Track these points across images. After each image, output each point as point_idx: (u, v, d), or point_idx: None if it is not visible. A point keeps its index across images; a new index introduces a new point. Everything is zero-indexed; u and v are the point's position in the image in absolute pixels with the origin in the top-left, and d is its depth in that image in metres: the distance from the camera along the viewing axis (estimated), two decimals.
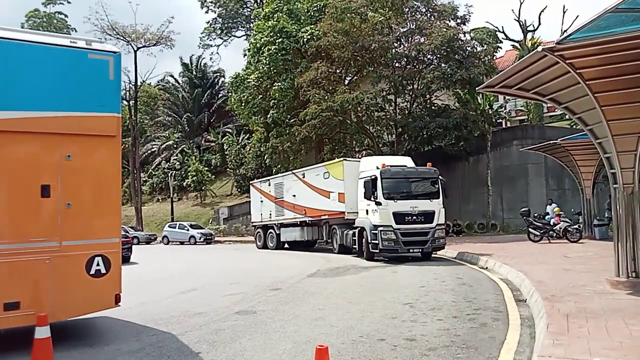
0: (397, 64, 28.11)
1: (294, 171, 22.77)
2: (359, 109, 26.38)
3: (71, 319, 7.77)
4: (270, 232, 23.73)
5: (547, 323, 5.91)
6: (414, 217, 14.87)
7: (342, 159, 19.57)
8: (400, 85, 26.65)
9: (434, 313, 7.48)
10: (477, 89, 13.18)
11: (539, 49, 7.51)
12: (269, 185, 24.11)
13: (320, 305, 8.45)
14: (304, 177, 21.15)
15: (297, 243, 21.97)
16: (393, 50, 27.12)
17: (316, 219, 20.10)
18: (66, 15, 56.77)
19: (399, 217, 14.76)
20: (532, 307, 7.48)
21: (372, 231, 15.11)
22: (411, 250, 15.00)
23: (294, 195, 21.50)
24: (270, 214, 23.59)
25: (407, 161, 16.97)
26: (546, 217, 19.77)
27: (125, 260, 19.39)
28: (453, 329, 6.48)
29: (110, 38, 43.56)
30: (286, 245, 23.09)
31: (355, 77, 31.40)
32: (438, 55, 26.12)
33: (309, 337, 6.26)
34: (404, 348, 5.64)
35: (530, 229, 19.09)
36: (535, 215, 20.01)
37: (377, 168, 15.38)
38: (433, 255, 15.99)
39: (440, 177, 15.66)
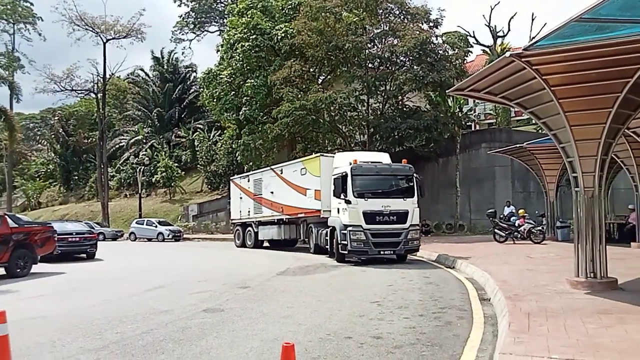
0: (370, 65, 28.33)
1: (272, 167, 21.97)
2: (332, 108, 26.45)
3: (30, 316, 7.56)
4: (249, 230, 23.07)
5: (509, 321, 6.07)
6: (386, 217, 14.06)
7: (319, 154, 18.83)
8: (373, 85, 26.82)
9: (400, 311, 7.59)
10: (447, 91, 13.42)
11: (507, 54, 7.70)
12: (248, 181, 23.42)
13: (288, 304, 8.44)
14: (281, 173, 20.42)
15: (277, 242, 21.40)
16: (366, 51, 27.32)
17: (293, 217, 19.41)
18: (32, 4, 54.94)
19: (369, 216, 13.97)
20: (496, 306, 7.67)
21: (342, 231, 14.34)
22: (382, 252, 14.29)
23: (272, 192, 20.87)
24: (249, 211, 22.93)
25: (384, 158, 16.04)
26: (511, 219, 20.29)
27: (90, 256, 18.99)
28: (419, 327, 6.59)
29: (79, 29, 42.61)
30: (265, 244, 22.55)
31: (328, 77, 31.48)
32: (410, 58, 26.43)
33: (276, 335, 6.24)
34: (371, 346, 5.71)
35: (496, 230, 19.56)
36: (501, 216, 20.53)
37: (350, 164, 14.57)
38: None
39: (415, 174, 14.86)
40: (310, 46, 26.47)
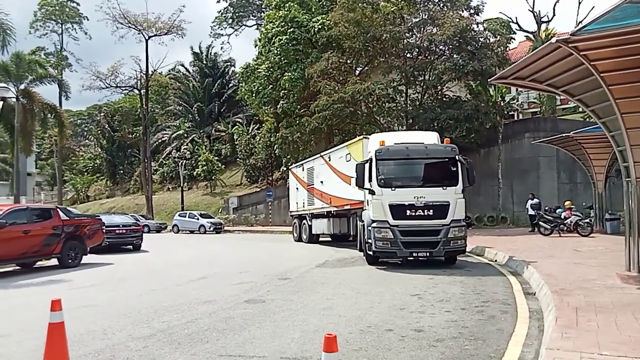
0: (408, 55, 27.91)
1: (322, 153, 19.96)
2: (369, 99, 26.25)
3: (82, 304, 7.92)
4: (304, 224, 21.39)
5: (555, 316, 5.89)
6: (419, 211, 11.42)
7: (362, 136, 16.54)
8: (412, 76, 26.45)
9: (442, 305, 7.49)
10: (489, 80, 12.85)
11: (553, 40, 7.40)
12: (303, 170, 21.80)
13: (328, 295, 8.50)
14: (329, 160, 18.51)
15: (336, 236, 19.57)
16: (404, 41, 26.90)
17: (340, 209, 17.45)
18: (78, 4, 57.01)
19: (397, 210, 11.46)
20: (541, 301, 7.46)
21: (368, 227, 12.22)
22: (415, 255, 11.58)
23: (322, 182, 19.07)
24: (304, 203, 21.30)
25: (430, 137, 13.20)
26: (557, 211, 19.57)
27: (136, 248, 19.68)
28: (461, 320, 6.49)
29: (122, 27, 43.91)
30: (327, 238, 20.89)
31: (366, 68, 31.26)
32: (450, 46, 25.87)
33: (317, 327, 6.31)
34: (412, 339, 5.67)
35: (540, 222, 18.97)
36: (546, 208, 19.88)
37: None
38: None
39: (461, 157, 11.92)
40: (347, 37, 26.32)
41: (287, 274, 11.27)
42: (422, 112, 25.83)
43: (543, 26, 36.19)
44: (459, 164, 11.78)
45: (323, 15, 28.68)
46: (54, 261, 14.08)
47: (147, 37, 44.07)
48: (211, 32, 55.81)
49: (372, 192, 11.87)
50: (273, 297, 8.50)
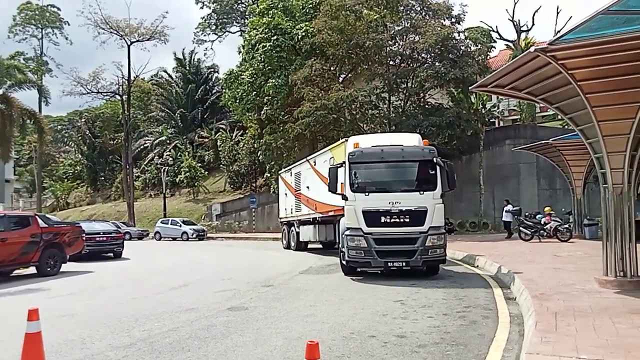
0: (391, 62, 28.21)
1: (308, 158, 19.41)
2: (353, 106, 26.41)
3: (60, 313, 7.77)
4: (292, 230, 20.76)
5: (535, 321, 5.98)
6: (395, 217, 10.66)
7: (345, 139, 15.15)
8: (395, 83, 26.72)
9: (424, 310, 7.54)
10: (470, 88, 12.83)
11: (532, 49, 7.57)
12: (291, 175, 21.21)
13: (311, 302, 8.48)
14: (315, 164, 17.91)
15: (322, 243, 19.14)
16: (387, 49, 27.20)
17: (325, 215, 16.55)
18: (59, 9, 56.30)
19: (371, 216, 10.73)
20: (522, 306, 7.56)
21: (342, 235, 11.55)
22: (391, 265, 10.74)
23: (308, 187, 18.51)
24: (292, 209, 20.65)
25: (410, 139, 12.08)
26: (537, 217, 19.88)
27: (117, 255, 19.41)
28: (443, 326, 6.54)
29: (104, 32, 43.45)
30: (317, 245, 20.27)
31: (349, 75, 31.46)
32: (432, 54, 26.22)
33: (300, 334, 6.29)
34: (394, 345, 5.69)
35: (521, 228, 19.23)
36: (527, 214, 20.17)
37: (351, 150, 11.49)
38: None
39: (438, 158, 11.06)
40: (330, 45, 26.51)
41: (270, 281, 11.22)
42: (405, 119, 26.07)
43: (523, 35, 36.84)
44: (437, 167, 10.94)
45: (307, 23, 28.82)
46: (32, 269, 13.81)
47: (129, 43, 43.70)
48: (194, 38, 55.44)
49: (345, 198, 11.17)
50: (256, 304, 8.45)
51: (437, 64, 25.94)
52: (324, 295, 9.15)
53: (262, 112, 32.04)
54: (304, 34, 28.10)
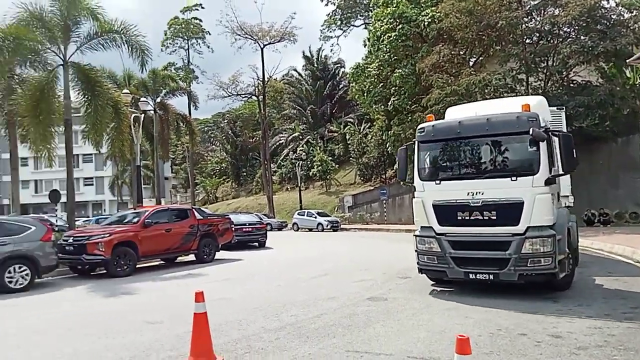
0: (527, 40, 26.07)
1: None
2: (486, 91, 24.93)
3: (218, 297, 8.63)
4: None
5: None
6: (476, 213, 7.90)
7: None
8: (533, 62, 24.67)
9: (581, 309, 6.90)
10: (627, 61, 11.28)
11: None
12: None
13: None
14: None
15: None
16: (523, 26, 25.15)
17: None
18: (201, 20, 62.04)
19: (444, 212, 8.24)
20: None
21: (413, 235, 9.07)
22: (473, 276, 7.98)
23: None
24: None
25: (512, 106, 8.83)
26: None
27: (261, 245, 20.94)
28: (606, 327, 5.93)
29: (240, 38, 46.88)
30: None
31: (480, 58, 29.85)
32: (576, 27, 23.66)
33: (442, 327, 6.20)
34: (549, 344, 5.32)
35: None
36: None
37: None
38: None
39: (543, 127, 7.76)
40: (459, 28, 25.35)
41: (407, 272, 11.14)
42: (546, 100, 23.90)
43: None
44: (539, 140, 7.60)
45: (432, 8, 28.02)
46: (191, 257, 15.53)
47: (262, 46, 46.55)
48: (321, 36, 57.29)
49: (413, 188, 8.94)
50: (395, 295, 8.51)
51: (582, 37, 23.30)
52: (465, 288, 8.84)
53: (389, 103, 31.91)
54: (430, 20, 27.37)
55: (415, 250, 8.66)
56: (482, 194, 7.84)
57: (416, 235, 8.68)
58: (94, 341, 6.24)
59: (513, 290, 8.24)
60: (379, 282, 10.00)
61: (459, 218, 8.03)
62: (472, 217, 7.91)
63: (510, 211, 7.61)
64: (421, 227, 8.60)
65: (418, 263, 8.68)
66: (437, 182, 8.38)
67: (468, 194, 7.95)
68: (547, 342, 5.43)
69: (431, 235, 8.31)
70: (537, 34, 25.37)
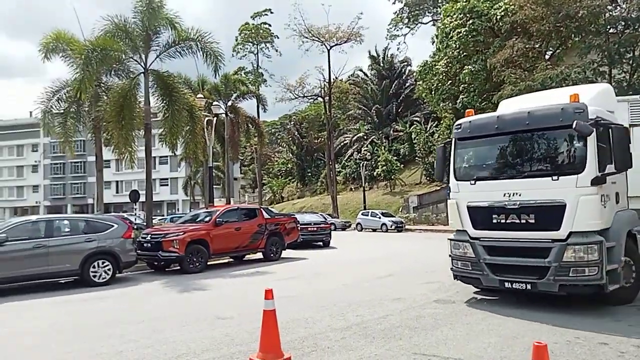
0: (611, 30, 24.38)
1: None
2: (563, 85, 23.58)
3: (286, 295, 8.80)
4: None
5: None
6: (512, 216, 7.29)
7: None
8: (616, 54, 23.04)
9: None
10: None
11: None
12: None
13: (523, 300, 7.90)
14: None
15: None
16: (606, 15, 23.54)
17: None
18: (270, 25, 63.61)
19: (479, 214, 7.73)
20: None
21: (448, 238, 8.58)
22: (509, 285, 7.33)
23: None
24: None
25: (561, 97, 7.63)
26: None
27: (325, 244, 21.11)
28: None
29: (307, 40, 47.50)
30: None
31: (557, 51, 28.32)
32: None
33: (515, 332, 5.95)
34: (635, 356, 4.95)
35: None
36: None
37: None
38: None
39: (592, 121, 6.82)
40: (535, 20, 24.20)
41: None
42: (632, 94, 22.18)
43: None
44: (586, 135, 6.77)
45: (505, 1, 26.90)
46: (258, 255, 15.96)
47: (329, 47, 46.85)
48: (387, 34, 56.74)
49: (448, 188, 8.48)
50: (462, 298, 8.27)
51: None
52: (537, 293, 8.40)
53: (458, 101, 31.04)
54: (503, 13, 26.34)
55: (450, 255, 8.20)
56: (520, 195, 7.21)
57: (450, 239, 8.24)
58: (173, 333, 6.60)
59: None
60: (446, 284, 9.74)
61: (495, 221, 7.48)
62: (508, 221, 7.33)
63: (550, 214, 6.93)
64: (457, 230, 8.15)
65: (451, 269, 8.22)
66: (472, 182, 7.86)
67: (504, 195, 7.36)
68: (632, 352, 5.05)
69: (465, 240, 7.84)
70: (623, 23, 23.66)
